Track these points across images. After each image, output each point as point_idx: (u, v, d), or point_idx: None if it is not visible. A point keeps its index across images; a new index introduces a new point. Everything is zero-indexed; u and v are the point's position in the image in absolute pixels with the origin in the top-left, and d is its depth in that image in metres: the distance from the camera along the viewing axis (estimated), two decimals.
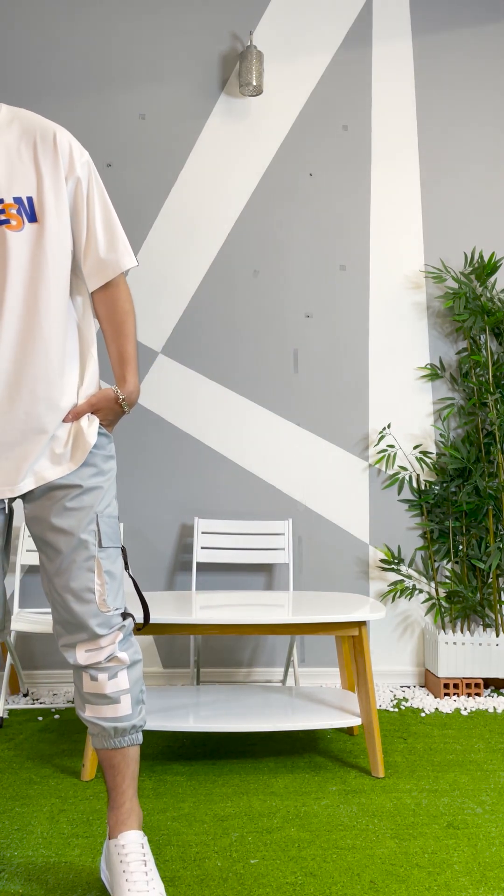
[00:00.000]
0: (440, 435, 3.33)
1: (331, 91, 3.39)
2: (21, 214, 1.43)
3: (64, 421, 1.50)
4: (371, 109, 3.41)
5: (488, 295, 3.30)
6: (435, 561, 3.29)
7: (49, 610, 3.15)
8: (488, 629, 3.22)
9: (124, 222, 3.32)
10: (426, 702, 3.01)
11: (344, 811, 2.03)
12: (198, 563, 3.20)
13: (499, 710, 2.91)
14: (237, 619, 2.24)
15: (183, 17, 3.36)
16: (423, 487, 3.31)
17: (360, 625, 2.33)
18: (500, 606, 3.19)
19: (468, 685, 3.08)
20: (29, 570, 3.20)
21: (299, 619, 2.23)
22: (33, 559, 3.11)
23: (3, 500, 1.51)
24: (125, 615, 1.56)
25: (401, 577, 3.29)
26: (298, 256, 3.36)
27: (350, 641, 2.40)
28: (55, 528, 1.50)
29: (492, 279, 3.38)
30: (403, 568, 3.30)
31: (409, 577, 3.27)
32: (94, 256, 1.53)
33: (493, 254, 3.21)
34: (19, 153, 1.45)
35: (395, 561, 3.23)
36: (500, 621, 3.18)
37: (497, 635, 3.13)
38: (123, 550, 1.58)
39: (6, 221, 1.42)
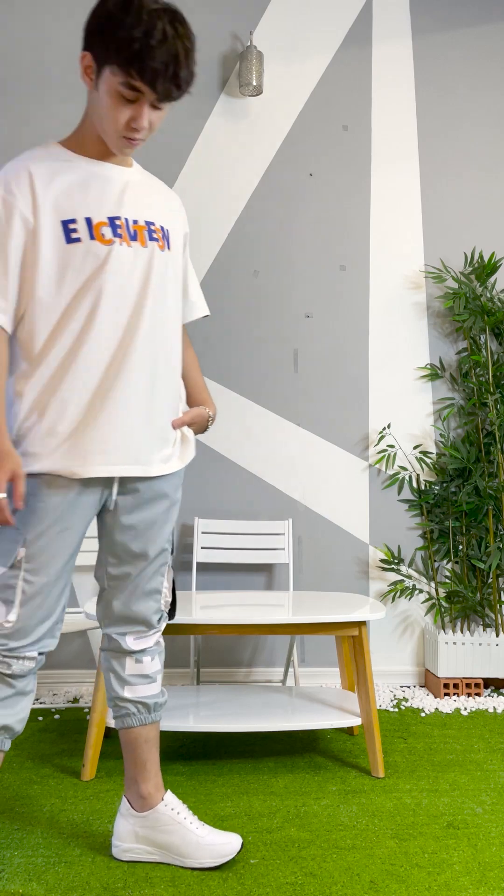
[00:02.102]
0: (440, 435, 3.33)
1: (331, 91, 3.39)
2: (165, 239, 1.64)
3: (173, 427, 1.70)
4: (371, 109, 3.41)
5: (488, 295, 3.30)
6: (435, 561, 3.29)
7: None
8: (488, 629, 3.23)
9: None
10: (426, 702, 3.01)
11: (344, 811, 2.03)
12: (198, 563, 3.20)
13: (499, 710, 2.91)
14: (237, 619, 2.24)
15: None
16: (423, 487, 3.31)
17: (360, 625, 2.33)
18: (500, 606, 3.19)
19: (468, 685, 3.08)
20: None
21: (299, 619, 2.23)
22: None
23: (110, 486, 1.64)
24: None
25: (401, 577, 3.29)
26: (298, 256, 3.36)
27: (350, 641, 2.40)
28: (143, 535, 1.68)
29: (492, 279, 3.38)
30: (403, 568, 3.30)
31: (409, 577, 3.27)
32: (188, 297, 1.82)
33: (493, 254, 3.21)
34: (161, 197, 1.69)
35: (395, 561, 3.23)
36: (500, 621, 3.18)
37: (497, 635, 3.13)
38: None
39: (156, 240, 1.62)
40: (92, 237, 1.54)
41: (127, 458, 1.59)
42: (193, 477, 3.26)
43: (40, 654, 1.60)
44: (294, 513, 3.28)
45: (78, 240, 1.53)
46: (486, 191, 3.43)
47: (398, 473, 3.31)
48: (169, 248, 1.65)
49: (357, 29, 3.41)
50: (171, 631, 2.27)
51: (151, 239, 1.61)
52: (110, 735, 2.61)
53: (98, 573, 1.74)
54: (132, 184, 1.62)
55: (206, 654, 3.24)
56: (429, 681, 3.19)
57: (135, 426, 1.59)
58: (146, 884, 1.67)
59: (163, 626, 1.77)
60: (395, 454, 3.32)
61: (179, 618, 2.23)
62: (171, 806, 1.77)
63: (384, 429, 3.33)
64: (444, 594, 3.24)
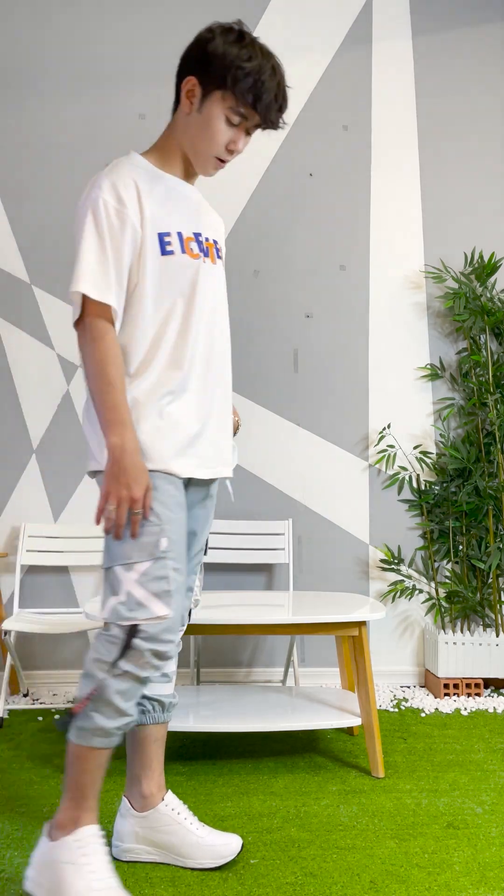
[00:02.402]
0: (440, 435, 3.33)
1: (331, 91, 3.39)
2: (222, 258, 1.76)
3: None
4: (371, 109, 3.41)
5: (488, 295, 3.30)
6: (435, 561, 3.29)
7: (47, 610, 3.15)
8: (488, 629, 3.22)
9: None
10: (426, 702, 3.01)
11: (344, 811, 2.03)
12: None
13: (499, 710, 2.91)
14: (237, 619, 2.24)
15: (183, 17, 3.36)
16: (423, 487, 3.31)
17: (360, 625, 2.33)
18: (500, 606, 3.19)
19: (468, 685, 3.08)
20: (29, 571, 3.20)
21: (299, 619, 2.23)
22: (33, 559, 3.11)
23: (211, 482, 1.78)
24: None
25: (401, 577, 3.29)
26: (298, 256, 3.36)
27: (350, 641, 2.40)
28: (198, 532, 1.76)
29: (492, 279, 3.38)
30: (403, 568, 3.30)
31: (409, 577, 3.27)
32: None
33: (493, 254, 3.21)
34: (214, 214, 1.78)
35: (395, 561, 3.23)
36: (500, 621, 3.17)
37: (497, 635, 3.13)
38: None
39: (221, 258, 1.75)
40: (183, 251, 1.62)
41: (219, 461, 1.71)
42: None
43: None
44: (294, 513, 3.28)
45: (171, 252, 1.61)
46: (486, 191, 3.43)
47: (398, 473, 3.31)
48: (219, 258, 1.76)
49: (357, 29, 3.41)
50: None
51: (218, 256, 1.73)
52: None
53: None
54: (201, 203, 1.73)
55: (206, 654, 3.24)
56: (429, 681, 3.19)
57: (219, 431, 1.71)
58: (146, 884, 1.67)
59: (185, 626, 1.79)
60: (395, 454, 3.32)
61: None
62: (172, 806, 1.77)
63: (384, 429, 3.33)
64: (444, 594, 3.24)
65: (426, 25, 3.43)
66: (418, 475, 3.30)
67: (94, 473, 1.66)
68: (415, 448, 3.34)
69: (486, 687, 3.21)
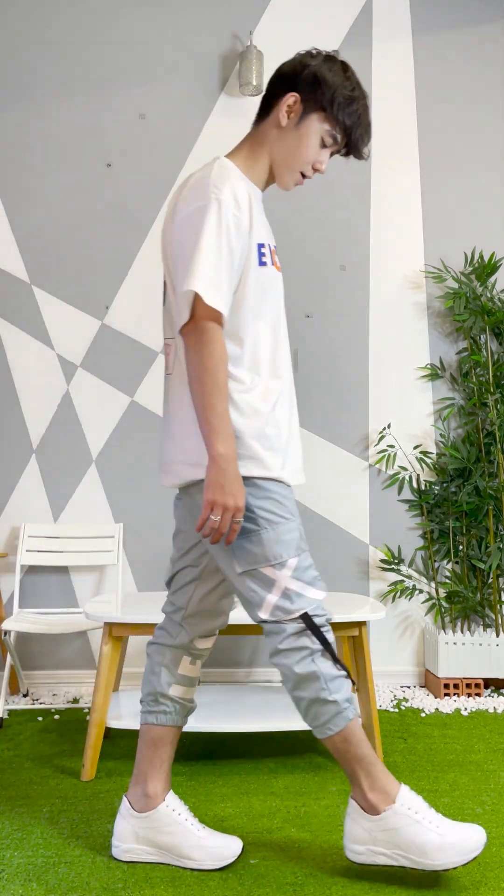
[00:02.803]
0: (440, 435, 3.33)
1: None
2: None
3: None
4: (371, 109, 3.41)
5: (488, 295, 3.30)
6: (435, 561, 3.29)
7: (47, 610, 3.15)
8: (488, 629, 3.22)
9: (124, 223, 3.32)
10: (426, 702, 3.01)
11: (344, 811, 2.03)
12: None
13: (499, 710, 2.91)
14: (237, 619, 2.24)
15: (183, 17, 3.36)
16: (423, 487, 3.31)
17: (360, 625, 2.33)
18: (500, 606, 3.19)
19: (468, 685, 3.08)
20: (29, 571, 3.21)
21: None
22: (33, 559, 3.12)
23: None
24: None
25: (401, 577, 3.29)
26: (298, 256, 3.36)
27: (350, 641, 2.40)
28: None
29: (492, 279, 3.38)
30: (403, 568, 3.30)
31: (409, 577, 3.27)
32: None
33: (493, 254, 3.21)
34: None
35: (395, 561, 3.23)
36: (500, 621, 3.17)
37: (497, 635, 3.13)
38: None
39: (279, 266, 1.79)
40: (271, 263, 1.69)
41: (301, 468, 1.78)
42: None
43: None
44: None
45: (265, 264, 1.67)
46: (486, 191, 3.43)
47: (398, 473, 3.31)
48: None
49: (357, 29, 3.41)
50: None
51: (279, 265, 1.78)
52: (110, 735, 2.61)
53: (196, 560, 1.78)
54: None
55: None
56: (429, 681, 3.19)
57: (298, 439, 1.79)
58: (146, 884, 1.67)
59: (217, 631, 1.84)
60: (395, 454, 3.32)
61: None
62: (172, 807, 1.77)
63: (384, 429, 3.33)
64: (445, 594, 3.24)
65: (426, 25, 3.43)
66: (418, 475, 3.30)
67: (187, 485, 1.69)
68: (415, 448, 3.34)
69: (486, 687, 3.21)
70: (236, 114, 3.35)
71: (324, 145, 1.70)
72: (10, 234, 3.29)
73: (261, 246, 1.66)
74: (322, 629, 1.63)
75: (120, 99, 3.34)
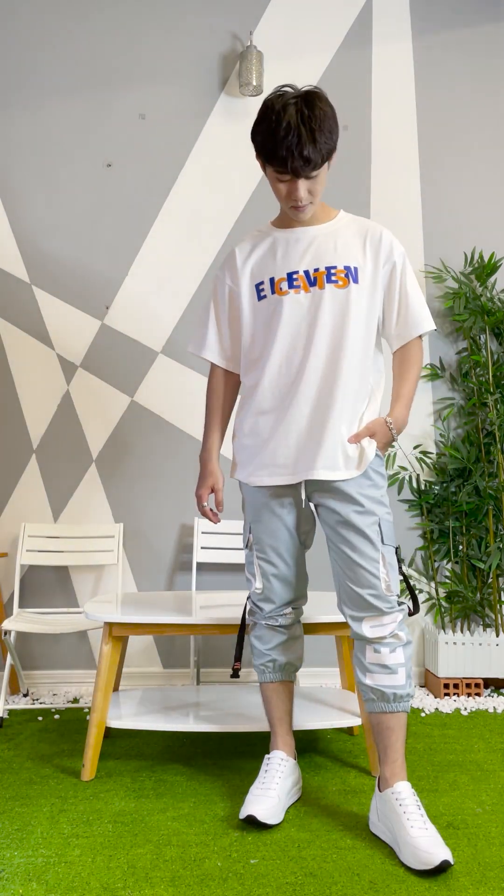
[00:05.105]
0: (440, 435, 3.33)
1: (331, 91, 3.39)
2: (349, 277, 1.94)
3: (349, 442, 1.95)
4: (371, 109, 3.41)
5: (488, 295, 3.30)
6: (435, 561, 3.29)
7: (47, 610, 3.16)
8: (488, 629, 3.23)
9: (124, 222, 3.32)
10: (426, 702, 3.01)
11: (344, 811, 2.03)
12: (198, 563, 3.20)
13: (499, 710, 2.91)
14: (237, 619, 2.24)
15: (183, 17, 3.36)
16: (423, 487, 3.31)
17: None
18: (500, 606, 3.19)
19: (468, 685, 3.08)
20: (29, 570, 3.21)
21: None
22: (33, 559, 3.12)
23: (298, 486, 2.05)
24: (401, 602, 1.95)
25: (401, 577, 3.28)
26: None
27: (350, 641, 2.40)
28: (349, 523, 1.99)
29: (492, 279, 3.38)
30: (403, 568, 3.30)
31: (410, 577, 3.27)
32: (398, 324, 2.02)
33: (493, 254, 3.21)
34: (354, 239, 1.99)
35: None
36: (500, 621, 3.18)
37: (497, 635, 3.13)
38: (397, 551, 1.99)
39: (336, 281, 1.94)
40: (273, 292, 1.98)
41: (305, 469, 1.97)
42: (193, 477, 3.26)
43: (294, 608, 2.10)
44: None
45: (265, 297, 2.00)
46: (486, 191, 3.43)
47: (398, 473, 3.31)
48: (356, 281, 1.94)
49: (357, 29, 3.41)
50: (171, 631, 2.27)
51: (329, 281, 1.93)
52: (110, 735, 2.61)
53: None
54: (320, 237, 1.98)
55: (206, 654, 3.24)
56: (429, 681, 3.19)
57: (300, 441, 1.96)
58: (146, 884, 1.67)
59: (397, 617, 1.91)
60: (395, 454, 3.32)
61: (180, 618, 2.23)
62: (398, 796, 1.84)
63: None
64: (444, 594, 3.24)
65: (426, 26, 3.43)
66: (418, 475, 3.30)
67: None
68: (415, 448, 3.34)
69: (486, 687, 3.21)
70: (236, 114, 3.35)
71: (282, 181, 1.88)
72: (10, 234, 3.29)
73: (259, 284, 2.02)
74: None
75: (120, 99, 3.34)
